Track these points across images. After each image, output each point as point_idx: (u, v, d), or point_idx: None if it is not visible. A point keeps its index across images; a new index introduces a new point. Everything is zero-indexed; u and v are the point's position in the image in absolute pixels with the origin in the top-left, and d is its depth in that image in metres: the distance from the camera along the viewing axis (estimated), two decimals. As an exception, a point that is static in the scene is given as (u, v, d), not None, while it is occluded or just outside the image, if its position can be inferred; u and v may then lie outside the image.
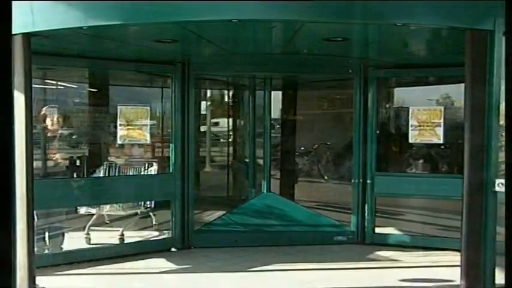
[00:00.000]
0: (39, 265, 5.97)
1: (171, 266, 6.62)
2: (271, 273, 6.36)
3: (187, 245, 7.36)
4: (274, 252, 7.15)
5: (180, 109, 7.27)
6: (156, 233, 7.84)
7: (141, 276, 6.27)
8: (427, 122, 7.35)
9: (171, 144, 7.32)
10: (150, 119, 7.31)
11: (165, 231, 7.66)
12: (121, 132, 7.03)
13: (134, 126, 7.01)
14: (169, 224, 7.48)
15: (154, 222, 7.97)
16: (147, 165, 7.66)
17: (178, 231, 7.35)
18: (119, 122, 7.01)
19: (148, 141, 7.49)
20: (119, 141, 7.21)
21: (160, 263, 6.74)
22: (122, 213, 7.59)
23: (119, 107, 7.10)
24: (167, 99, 10.37)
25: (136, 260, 6.74)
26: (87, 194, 6.87)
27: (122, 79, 9.56)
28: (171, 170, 7.34)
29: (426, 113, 7.42)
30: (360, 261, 6.89)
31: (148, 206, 7.61)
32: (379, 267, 6.69)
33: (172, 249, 7.28)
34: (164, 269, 6.49)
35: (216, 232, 7.63)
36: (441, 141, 7.54)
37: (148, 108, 7.35)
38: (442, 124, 7.31)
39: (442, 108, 7.64)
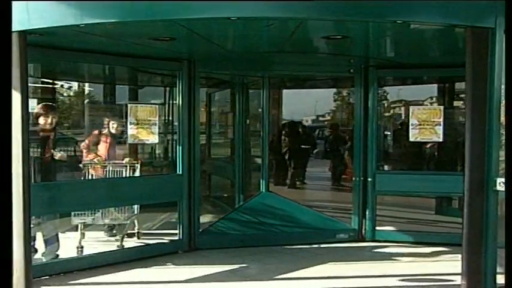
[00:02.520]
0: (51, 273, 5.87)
1: (191, 273, 6.13)
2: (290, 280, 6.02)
3: (193, 247, 7.05)
4: (279, 253, 6.96)
5: (187, 108, 6.95)
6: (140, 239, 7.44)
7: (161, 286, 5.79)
8: (427, 121, 7.30)
9: (177, 145, 7.00)
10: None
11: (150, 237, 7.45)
12: (131, 131, 6.65)
13: (144, 125, 6.66)
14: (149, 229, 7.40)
15: (137, 229, 7.46)
16: (128, 167, 7.07)
17: (186, 233, 7.04)
18: (128, 121, 6.63)
19: (157, 141, 7.17)
20: (129, 141, 6.83)
21: (176, 268, 6.39)
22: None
23: (128, 105, 6.73)
24: (155, 97, 10.28)
25: (148, 267, 6.30)
26: (90, 198, 6.35)
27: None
28: (178, 171, 6.98)
29: (426, 112, 7.40)
30: (360, 261, 6.76)
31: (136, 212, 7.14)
32: (379, 266, 6.51)
33: (179, 251, 6.96)
34: (184, 277, 5.98)
35: (220, 233, 7.38)
36: (441, 140, 7.48)
37: (157, 106, 7.03)
38: (441, 123, 7.27)
39: (442, 107, 7.62)
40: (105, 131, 7.48)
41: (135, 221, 7.41)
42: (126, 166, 7.10)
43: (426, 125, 7.31)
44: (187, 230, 7.05)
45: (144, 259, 6.59)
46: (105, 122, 7.60)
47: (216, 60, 7.05)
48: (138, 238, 7.47)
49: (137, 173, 7.12)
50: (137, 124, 6.63)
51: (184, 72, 6.94)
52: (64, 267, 6.12)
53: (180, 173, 6.99)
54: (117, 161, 7.22)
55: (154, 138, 6.88)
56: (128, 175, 7.04)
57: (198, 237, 7.14)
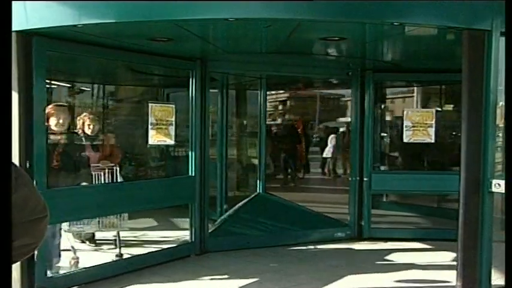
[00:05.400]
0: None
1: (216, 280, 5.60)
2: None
3: (204, 249, 6.52)
4: (289, 256, 6.57)
5: (199, 109, 6.37)
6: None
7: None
8: (420, 123, 7.21)
9: (189, 146, 6.40)
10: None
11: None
12: (151, 132, 5.98)
13: (162, 126, 6.03)
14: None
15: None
16: (107, 171, 6.04)
17: (197, 236, 6.48)
18: (149, 121, 5.96)
19: (173, 143, 6.43)
20: (150, 142, 6.11)
21: (197, 277, 5.68)
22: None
23: (149, 105, 6.04)
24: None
25: (168, 281, 5.54)
26: (104, 202, 5.63)
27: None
28: (191, 172, 6.39)
29: (419, 114, 7.34)
30: (358, 260, 6.55)
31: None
32: (376, 265, 6.28)
33: (191, 255, 6.39)
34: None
35: (226, 235, 6.89)
36: (433, 141, 7.38)
37: (174, 106, 6.30)
38: (433, 125, 7.20)
39: (434, 110, 7.57)
40: (79, 132, 6.39)
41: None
42: (104, 170, 6.09)
43: (419, 126, 7.21)
44: (199, 232, 6.52)
45: (158, 265, 5.99)
46: (79, 121, 6.48)
47: (216, 60, 6.63)
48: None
49: (118, 177, 6.19)
50: (156, 125, 6.03)
51: (197, 72, 6.35)
52: (74, 281, 5.35)
53: (193, 174, 6.42)
54: (94, 165, 6.20)
55: (170, 140, 6.21)
56: (106, 180, 6.05)
57: (208, 240, 6.65)
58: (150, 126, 5.96)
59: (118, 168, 6.21)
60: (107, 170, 6.05)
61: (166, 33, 5.04)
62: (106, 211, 5.87)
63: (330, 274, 5.87)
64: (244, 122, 10.36)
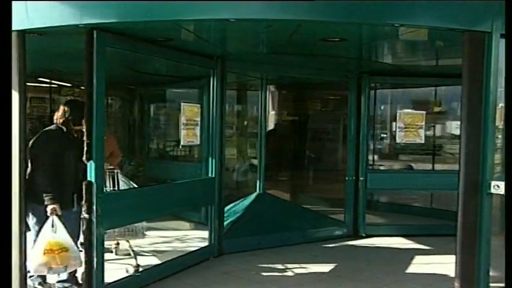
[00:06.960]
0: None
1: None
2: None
3: (220, 252, 6.21)
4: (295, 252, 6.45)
5: (219, 110, 6.04)
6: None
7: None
8: (412, 125, 7.23)
9: (209, 146, 6.13)
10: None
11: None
12: (183, 132, 5.65)
13: (191, 126, 5.72)
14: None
15: (115, 244, 6.04)
16: (108, 174, 5.42)
17: (216, 238, 6.16)
18: (181, 121, 5.63)
19: (198, 143, 6.14)
20: (182, 143, 5.82)
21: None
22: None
23: (182, 104, 5.72)
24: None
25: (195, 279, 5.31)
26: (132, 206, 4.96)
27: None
28: (211, 174, 6.08)
29: (411, 116, 7.34)
30: (356, 258, 6.41)
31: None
32: (374, 264, 6.13)
33: (210, 258, 6.07)
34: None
35: (238, 236, 6.51)
36: (423, 142, 7.48)
37: (200, 105, 6.02)
38: (423, 126, 7.28)
39: (424, 112, 7.57)
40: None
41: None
42: (106, 173, 5.32)
43: (411, 128, 7.23)
44: (217, 234, 6.20)
45: (181, 271, 5.55)
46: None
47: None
48: (116, 254, 6.09)
49: (120, 181, 5.60)
50: (187, 125, 5.68)
51: (218, 71, 6.01)
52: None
53: (213, 176, 6.10)
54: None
55: (197, 140, 5.94)
56: (108, 184, 5.49)
57: (223, 242, 6.30)
58: (181, 127, 5.65)
59: (119, 171, 5.73)
60: (107, 173, 5.47)
61: (165, 34, 4.80)
62: (136, 217, 5.28)
63: (329, 273, 5.76)
64: (245, 122, 10.24)
